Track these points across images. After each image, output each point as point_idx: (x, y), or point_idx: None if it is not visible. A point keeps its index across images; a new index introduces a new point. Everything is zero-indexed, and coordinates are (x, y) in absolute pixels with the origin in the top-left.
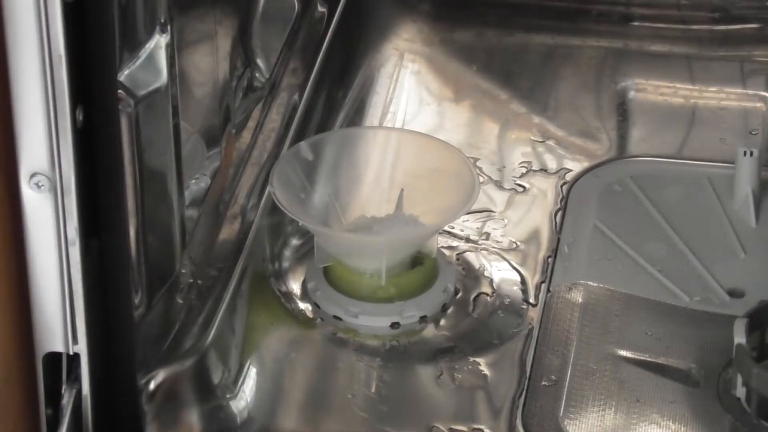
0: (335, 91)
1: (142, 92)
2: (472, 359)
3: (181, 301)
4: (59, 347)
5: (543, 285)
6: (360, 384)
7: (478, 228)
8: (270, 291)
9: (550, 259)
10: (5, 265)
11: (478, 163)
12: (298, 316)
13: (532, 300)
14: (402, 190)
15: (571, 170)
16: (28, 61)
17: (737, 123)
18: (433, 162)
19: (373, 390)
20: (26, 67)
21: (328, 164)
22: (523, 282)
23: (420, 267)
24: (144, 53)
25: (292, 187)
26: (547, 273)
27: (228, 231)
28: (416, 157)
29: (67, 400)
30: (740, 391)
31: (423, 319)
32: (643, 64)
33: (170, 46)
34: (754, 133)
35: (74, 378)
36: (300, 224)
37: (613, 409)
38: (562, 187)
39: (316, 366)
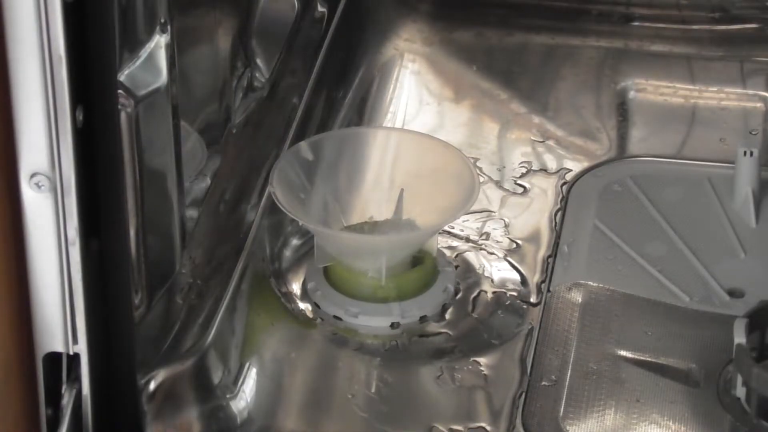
0: (335, 91)
1: (142, 92)
2: (472, 359)
3: (181, 301)
4: (59, 347)
5: (543, 285)
6: (360, 384)
7: (478, 228)
8: (270, 291)
9: (550, 259)
10: (5, 265)
11: (478, 163)
12: (298, 316)
13: (532, 300)
14: (402, 190)
15: (571, 170)
16: (28, 61)
17: (737, 123)
18: (433, 162)
19: (373, 390)
20: (26, 67)
21: (328, 164)
22: (523, 282)
23: (420, 267)
24: (144, 53)
25: (292, 187)
26: (547, 273)
27: (228, 231)
28: (416, 157)
29: (67, 400)
30: (740, 391)
31: (423, 319)
32: (643, 64)
33: (170, 46)
34: (754, 133)
35: (74, 378)
36: (300, 224)
37: (613, 409)
38: (562, 187)
39: (316, 366)
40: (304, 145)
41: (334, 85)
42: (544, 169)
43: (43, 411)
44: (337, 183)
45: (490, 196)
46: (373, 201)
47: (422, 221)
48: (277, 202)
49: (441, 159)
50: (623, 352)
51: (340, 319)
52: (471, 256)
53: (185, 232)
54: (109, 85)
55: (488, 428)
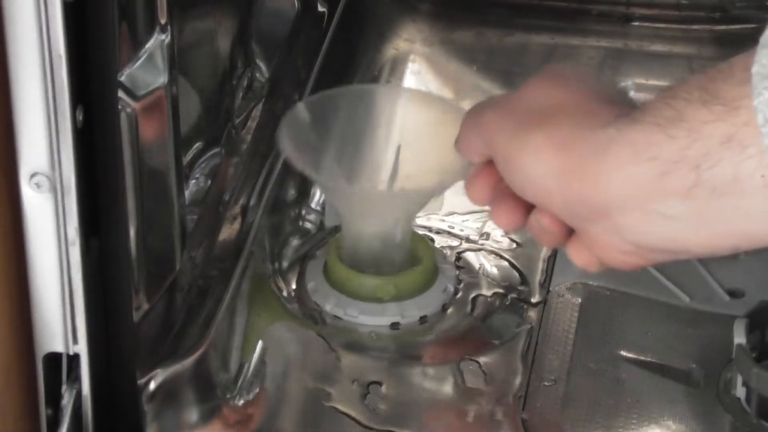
0: None
1: (142, 92)
2: (472, 359)
3: (181, 301)
4: (59, 347)
5: (543, 285)
6: (360, 384)
7: (478, 228)
8: (270, 291)
9: (550, 259)
10: (5, 265)
11: None
12: (298, 316)
13: (532, 300)
14: (399, 146)
15: None
16: (28, 61)
17: None
18: (435, 119)
19: (373, 390)
20: (26, 67)
21: (329, 125)
22: (523, 282)
23: (420, 267)
24: (144, 53)
25: (299, 148)
26: (547, 273)
27: (228, 231)
28: (417, 116)
29: (67, 400)
30: (740, 391)
31: (423, 319)
32: (643, 64)
33: (170, 46)
34: None
35: (74, 378)
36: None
37: (613, 409)
38: None
39: (316, 366)
40: (300, 106)
41: (334, 84)
42: None
43: (43, 411)
44: (339, 144)
45: None
46: (375, 161)
47: (425, 181)
48: (290, 161)
49: (442, 116)
50: (623, 352)
51: (340, 318)
52: (471, 256)
53: (185, 232)
54: (109, 85)
55: (488, 428)
